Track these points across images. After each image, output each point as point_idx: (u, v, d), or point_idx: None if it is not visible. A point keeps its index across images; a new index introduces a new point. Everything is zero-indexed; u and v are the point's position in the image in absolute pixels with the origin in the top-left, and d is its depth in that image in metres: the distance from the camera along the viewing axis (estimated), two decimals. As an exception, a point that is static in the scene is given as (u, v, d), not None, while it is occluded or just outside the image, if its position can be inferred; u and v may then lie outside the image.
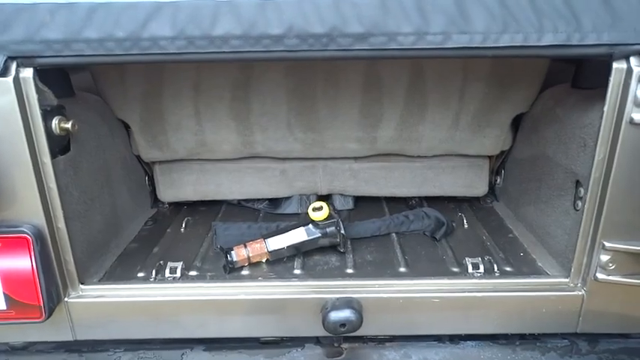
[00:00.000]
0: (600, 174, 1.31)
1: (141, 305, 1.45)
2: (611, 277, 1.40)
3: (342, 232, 1.65)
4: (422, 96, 1.81)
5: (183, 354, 1.49)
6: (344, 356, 1.48)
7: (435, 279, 1.49)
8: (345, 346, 1.51)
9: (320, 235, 1.66)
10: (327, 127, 1.88)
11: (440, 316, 1.48)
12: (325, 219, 1.66)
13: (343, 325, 1.40)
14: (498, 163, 2.08)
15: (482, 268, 1.56)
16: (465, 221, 1.93)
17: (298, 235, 1.66)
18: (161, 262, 1.60)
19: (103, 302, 1.43)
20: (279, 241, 1.65)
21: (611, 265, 1.38)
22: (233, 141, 1.90)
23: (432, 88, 1.80)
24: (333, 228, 1.66)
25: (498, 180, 2.13)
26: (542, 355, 1.47)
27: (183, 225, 1.93)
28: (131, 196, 1.93)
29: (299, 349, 1.50)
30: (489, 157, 2.04)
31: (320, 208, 1.67)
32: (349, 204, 2.09)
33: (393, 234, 1.84)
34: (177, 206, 2.13)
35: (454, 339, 1.53)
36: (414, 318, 1.48)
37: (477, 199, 2.15)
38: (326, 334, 1.47)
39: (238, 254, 1.61)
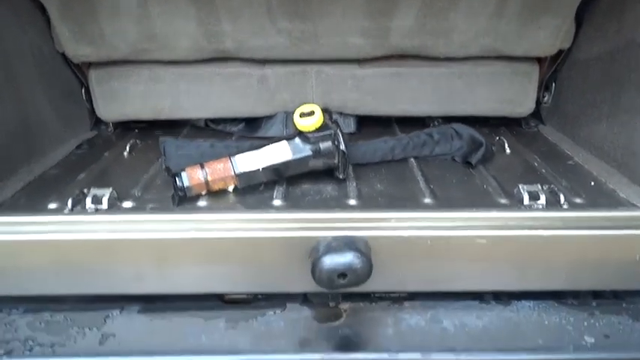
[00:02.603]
0: None
1: (46, 247, 0.98)
2: None
3: (342, 148, 1.16)
4: None
5: (106, 317, 1.01)
6: (343, 320, 1.01)
7: (478, 211, 1.01)
8: (345, 306, 1.04)
9: (311, 152, 1.16)
10: (321, 14, 1.35)
11: (484, 264, 1.00)
12: (318, 129, 1.17)
13: (343, 275, 0.92)
14: (550, 72, 1.56)
15: (543, 199, 1.08)
16: (506, 146, 1.44)
17: (280, 153, 1.16)
18: (84, 190, 1.11)
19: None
20: (252, 161, 1.15)
21: None
22: (192, 33, 1.38)
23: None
24: (328, 143, 1.16)
25: (546, 97, 1.62)
26: (635, 320, 1.00)
27: (127, 149, 1.43)
28: (54, 110, 1.42)
29: (277, 311, 1.02)
30: (539, 62, 1.53)
31: (311, 114, 1.17)
32: (350, 126, 1.59)
33: (412, 159, 1.35)
34: (125, 130, 1.63)
35: (502, 298, 1.06)
36: (446, 267, 1.00)
37: (517, 122, 1.65)
38: (317, 289, 1.00)
39: (192, 177, 1.12)
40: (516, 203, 1.09)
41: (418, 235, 0.98)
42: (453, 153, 1.36)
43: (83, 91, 1.57)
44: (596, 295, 1.07)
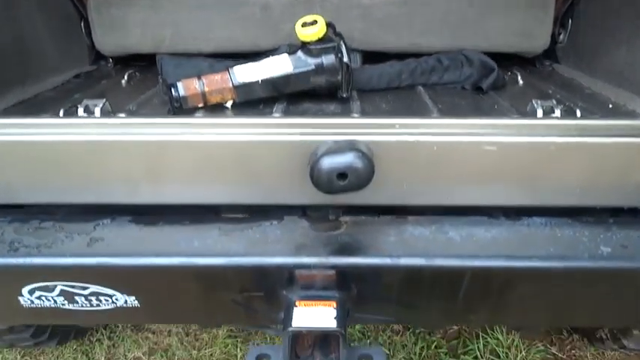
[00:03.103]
0: None
1: (36, 149, 0.93)
2: None
3: (346, 61, 1.10)
4: None
5: (97, 225, 0.97)
6: (343, 230, 0.95)
7: (489, 118, 0.95)
8: (345, 219, 0.99)
9: (313, 66, 1.10)
10: None
11: (493, 174, 0.94)
12: (320, 40, 1.11)
13: (343, 176, 0.87)
14: (566, 7, 1.49)
15: (557, 113, 1.02)
16: (519, 78, 1.37)
17: (280, 66, 1.11)
18: (77, 103, 1.07)
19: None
20: (251, 72, 1.10)
21: None
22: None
23: None
24: (332, 57, 1.10)
25: (562, 36, 1.55)
26: (655, 236, 0.94)
27: (126, 78, 1.39)
28: (52, 39, 1.38)
29: (274, 222, 0.97)
30: (555, -4, 1.46)
31: (313, 23, 1.11)
32: (356, 61, 1.52)
33: (420, 87, 1.29)
34: (125, 64, 1.59)
35: (512, 215, 1.00)
36: (452, 177, 0.95)
37: (531, 62, 1.58)
38: (317, 201, 0.95)
39: (188, 87, 1.07)
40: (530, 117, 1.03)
41: (424, 141, 0.92)
42: (462, 81, 1.30)
43: (83, 24, 1.53)
44: (616, 212, 1.00)
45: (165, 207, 0.99)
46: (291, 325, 0.84)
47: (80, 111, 1.03)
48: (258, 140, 0.93)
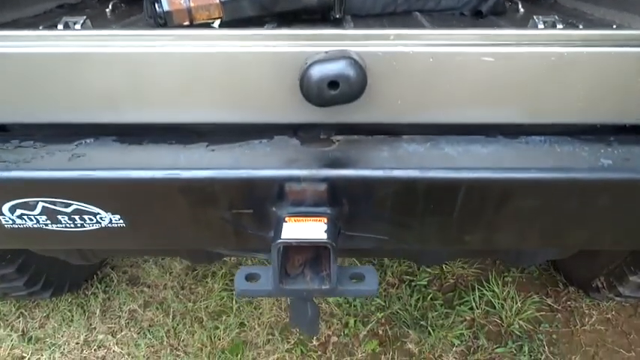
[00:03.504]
0: None
1: (8, 62, 0.88)
2: None
3: (338, -22, 1.05)
4: None
5: (79, 143, 0.93)
6: (335, 147, 0.92)
7: (488, 29, 0.90)
8: (337, 137, 0.95)
9: (303, -16, 1.06)
10: None
11: (491, 88, 0.90)
12: (311, -45, 1.06)
13: (334, 84, 0.82)
14: None
15: (560, 27, 0.97)
16: (520, 7, 1.32)
17: (269, -17, 1.06)
18: (57, 22, 1.02)
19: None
20: (239, -11, 1.05)
21: None
22: None
23: None
24: (323, -26, 1.06)
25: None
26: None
27: (110, 7, 1.33)
28: None
29: (263, 140, 0.94)
30: None
31: (303, -65, 1.06)
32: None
33: (417, 13, 1.24)
34: None
35: (512, 133, 0.97)
36: (449, 92, 0.90)
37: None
38: (308, 119, 0.91)
39: (172, 2, 1.02)
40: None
41: (419, 52, 0.88)
42: (461, 7, 1.25)
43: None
44: (618, 130, 0.96)
45: (151, 127, 0.95)
46: (280, 238, 0.81)
47: (60, 27, 0.98)
48: (246, 52, 0.88)
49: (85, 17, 1.00)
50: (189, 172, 0.85)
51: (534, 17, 1.00)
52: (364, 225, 0.91)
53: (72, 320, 2.03)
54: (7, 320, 2.04)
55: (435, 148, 0.91)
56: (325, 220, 0.85)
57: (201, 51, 0.89)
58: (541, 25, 0.98)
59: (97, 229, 0.92)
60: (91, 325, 2.02)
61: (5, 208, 0.89)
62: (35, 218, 0.90)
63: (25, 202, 0.87)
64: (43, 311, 2.09)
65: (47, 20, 1.15)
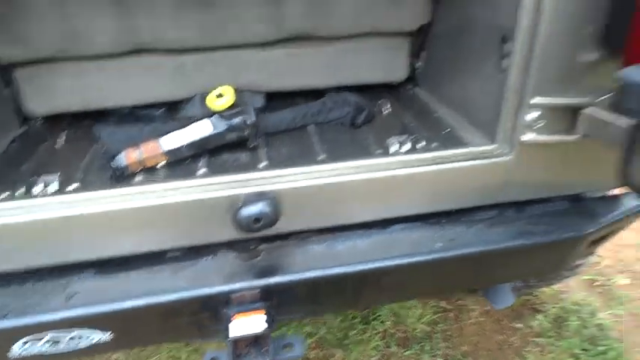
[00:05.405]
0: (529, 22, 1.19)
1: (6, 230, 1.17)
2: (538, 137, 1.32)
3: (251, 121, 1.43)
4: None
5: (68, 282, 1.24)
6: (262, 257, 1.31)
7: (357, 160, 1.33)
8: (262, 247, 1.34)
9: (226, 127, 1.42)
10: (223, 5, 1.59)
11: (365, 200, 1.34)
12: (231, 107, 1.43)
13: (258, 220, 1.21)
14: (419, 43, 1.91)
15: (406, 147, 1.43)
16: (387, 106, 1.78)
17: (199, 130, 1.42)
18: (33, 177, 1.30)
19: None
20: (177, 139, 1.39)
21: (539, 122, 1.29)
22: (110, 29, 1.56)
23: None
24: (239, 119, 1.43)
25: (418, 64, 1.98)
26: (468, 228, 1.40)
27: (62, 138, 1.61)
28: None
29: (209, 258, 1.30)
30: (410, 36, 1.87)
31: (222, 95, 1.42)
32: (260, 102, 1.84)
33: (312, 126, 1.65)
34: (55, 122, 1.77)
35: (382, 225, 1.41)
36: (337, 206, 1.33)
37: (396, 88, 1.99)
38: (240, 236, 1.29)
39: (129, 157, 1.34)
40: (387, 151, 1.43)
41: (313, 184, 1.28)
42: (343, 118, 1.68)
43: (8, 89, 1.69)
44: (448, 214, 1.44)
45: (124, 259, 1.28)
46: (228, 336, 1.20)
47: (39, 188, 1.27)
48: (189, 200, 1.23)
49: (57, 174, 1.30)
50: (163, 296, 1.20)
51: (388, 140, 1.45)
52: (290, 309, 1.32)
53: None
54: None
55: (330, 248, 1.34)
56: (264, 311, 1.24)
57: (156, 204, 1.22)
58: (395, 147, 1.43)
59: (89, 345, 1.23)
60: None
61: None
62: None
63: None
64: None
65: (11, 170, 1.41)
